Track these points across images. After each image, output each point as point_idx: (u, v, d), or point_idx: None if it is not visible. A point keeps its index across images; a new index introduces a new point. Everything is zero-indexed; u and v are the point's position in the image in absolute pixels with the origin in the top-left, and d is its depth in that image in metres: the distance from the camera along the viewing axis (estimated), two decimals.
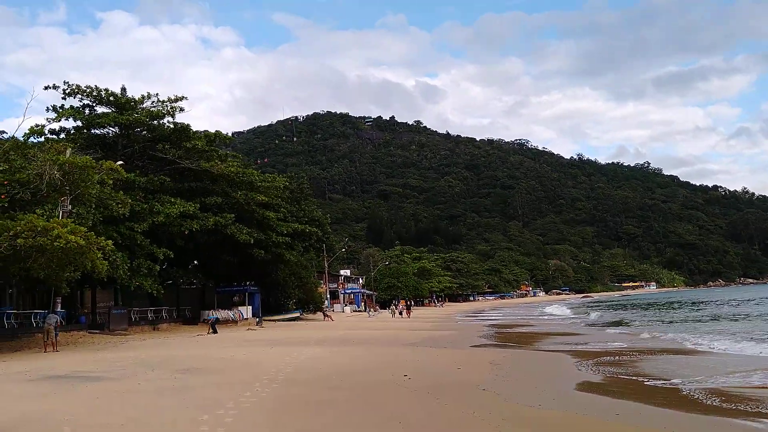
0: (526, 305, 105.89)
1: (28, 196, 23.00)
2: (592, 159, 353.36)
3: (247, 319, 42.48)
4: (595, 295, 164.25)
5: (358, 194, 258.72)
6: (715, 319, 40.56)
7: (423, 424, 9.39)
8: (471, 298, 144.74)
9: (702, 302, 75.87)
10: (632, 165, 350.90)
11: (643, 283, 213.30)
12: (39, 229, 19.63)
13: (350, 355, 20.44)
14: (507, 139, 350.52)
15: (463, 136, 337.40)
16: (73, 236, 19.91)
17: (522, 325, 43.49)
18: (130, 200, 29.18)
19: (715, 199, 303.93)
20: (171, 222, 34.19)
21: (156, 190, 36.00)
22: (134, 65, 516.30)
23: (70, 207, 25.21)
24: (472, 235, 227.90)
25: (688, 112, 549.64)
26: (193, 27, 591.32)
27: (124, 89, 40.35)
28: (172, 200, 35.16)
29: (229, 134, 71.59)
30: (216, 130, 43.20)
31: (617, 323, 41.48)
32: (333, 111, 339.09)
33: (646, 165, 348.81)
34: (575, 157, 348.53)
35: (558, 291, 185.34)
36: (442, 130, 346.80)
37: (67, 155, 24.13)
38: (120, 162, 29.19)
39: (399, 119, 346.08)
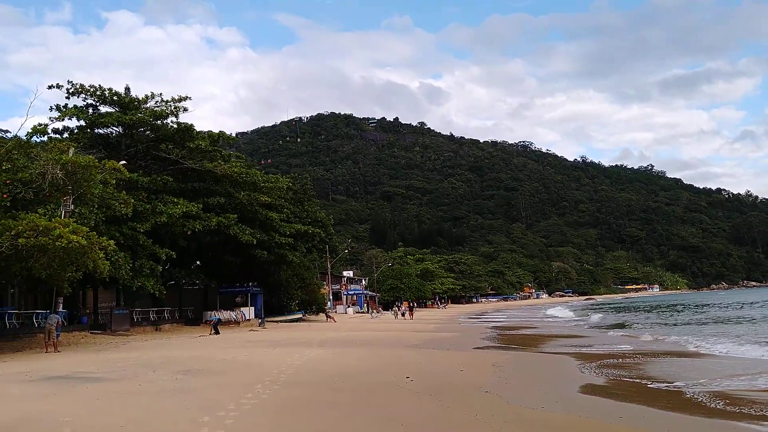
0: (529, 307, 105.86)
1: (30, 195, 22.97)
2: (596, 161, 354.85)
3: (249, 320, 42.46)
4: (598, 298, 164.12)
5: (361, 195, 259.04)
6: (718, 322, 40.40)
7: (425, 426, 9.35)
8: (474, 300, 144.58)
9: (705, 305, 75.71)
10: (636, 168, 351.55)
11: (646, 286, 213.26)
12: (41, 228, 19.58)
13: (352, 356, 20.36)
14: (511, 141, 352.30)
15: (466, 137, 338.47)
16: (74, 236, 19.86)
17: (525, 327, 43.38)
18: (132, 200, 29.13)
19: (718, 202, 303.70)
20: (174, 222, 34.16)
21: (159, 190, 35.96)
22: (139, 65, 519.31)
23: (72, 207, 25.21)
24: (475, 236, 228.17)
25: (693, 115, 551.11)
26: (198, 27, 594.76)
27: (128, 89, 40.31)
28: (175, 200, 35.11)
29: (233, 135, 71.50)
30: (219, 131, 43.15)
31: (620, 326, 41.42)
32: (337, 112, 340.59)
33: (649, 168, 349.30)
34: (579, 159, 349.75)
35: (561, 293, 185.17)
36: (445, 132, 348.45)
37: (70, 155, 24.02)
38: (123, 162, 29.13)
39: (403, 120, 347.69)
